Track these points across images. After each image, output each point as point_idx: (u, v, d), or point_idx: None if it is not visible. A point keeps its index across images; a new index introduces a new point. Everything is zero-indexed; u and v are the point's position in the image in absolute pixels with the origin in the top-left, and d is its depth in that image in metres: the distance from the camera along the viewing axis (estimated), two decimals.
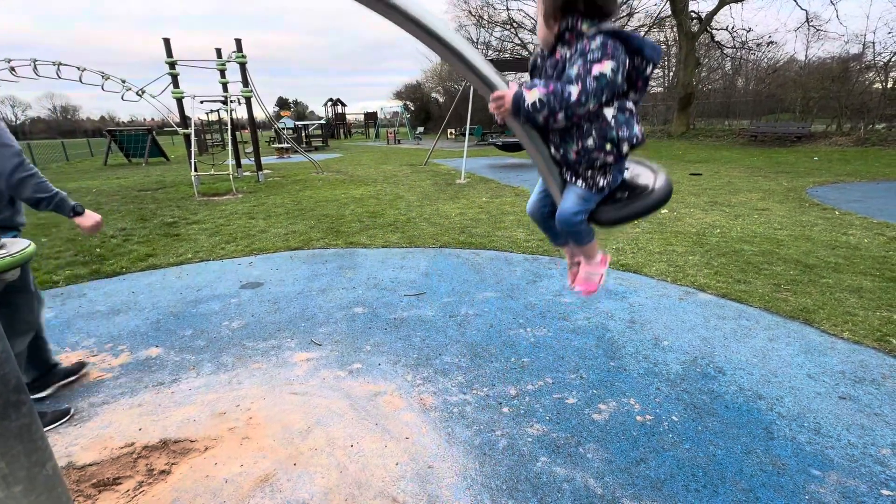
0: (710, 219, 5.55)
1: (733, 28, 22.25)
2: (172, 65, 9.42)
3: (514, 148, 12.65)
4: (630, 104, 1.11)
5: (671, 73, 26.80)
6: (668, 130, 21.88)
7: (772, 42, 22.91)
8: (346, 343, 2.75)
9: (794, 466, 1.70)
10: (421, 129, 31.86)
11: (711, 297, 3.28)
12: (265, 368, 2.48)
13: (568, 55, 1.06)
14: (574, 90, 0.99)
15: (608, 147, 1.09)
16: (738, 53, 23.61)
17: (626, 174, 1.23)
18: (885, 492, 1.58)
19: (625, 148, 1.10)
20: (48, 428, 2.00)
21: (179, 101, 9.78)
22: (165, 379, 2.41)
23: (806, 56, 22.82)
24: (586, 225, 1.22)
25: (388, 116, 37.58)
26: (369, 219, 6.05)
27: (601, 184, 1.15)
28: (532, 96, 1.01)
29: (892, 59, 16.52)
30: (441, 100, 41.33)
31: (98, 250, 4.74)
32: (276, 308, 3.28)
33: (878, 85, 16.90)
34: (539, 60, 1.15)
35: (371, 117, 37.85)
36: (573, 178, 1.16)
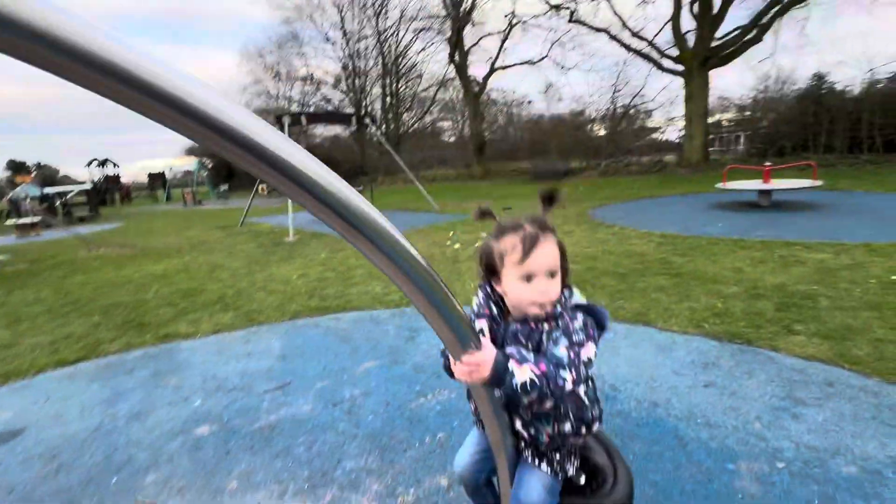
0: None
1: (503, 90, 27.51)
2: None
3: None
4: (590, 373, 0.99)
5: (463, 125, 31.06)
6: (472, 173, 25.02)
7: (530, 101, 29.19)
8: (196, 487, 1.93)
9: (714, 468, 1.82)
10: (225, 186, 28.55)
11: None
12: None
13: (547, 328, 0.92)
14: (569, 378, 0.85)
15: (583, 430, 0.97)
16: (509, 109, 29.17)
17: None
18: (779, 464, 1.80)
19: (595, 427, 1.00)
20: None
21: None
22: None
23: (554, 112, 29.64)
24: None
25: (179, 176, 32.88)
26: (184, 299, 4.83)
27: (569, 470, 1.00)
28: (523, 375, 0.82)
29: (604, 116, 23.05)
30: None
31: None
32: (57, 466, 2.15)
33: (601, 132, 23.06)
34: (503, 325, 0.97)
35: (158, 178, 32.68)
36: (535, 459, 0.97)
